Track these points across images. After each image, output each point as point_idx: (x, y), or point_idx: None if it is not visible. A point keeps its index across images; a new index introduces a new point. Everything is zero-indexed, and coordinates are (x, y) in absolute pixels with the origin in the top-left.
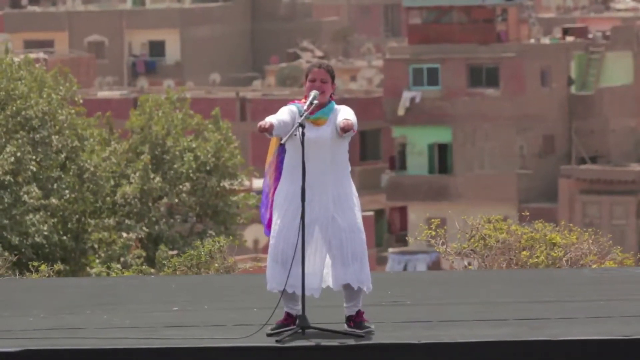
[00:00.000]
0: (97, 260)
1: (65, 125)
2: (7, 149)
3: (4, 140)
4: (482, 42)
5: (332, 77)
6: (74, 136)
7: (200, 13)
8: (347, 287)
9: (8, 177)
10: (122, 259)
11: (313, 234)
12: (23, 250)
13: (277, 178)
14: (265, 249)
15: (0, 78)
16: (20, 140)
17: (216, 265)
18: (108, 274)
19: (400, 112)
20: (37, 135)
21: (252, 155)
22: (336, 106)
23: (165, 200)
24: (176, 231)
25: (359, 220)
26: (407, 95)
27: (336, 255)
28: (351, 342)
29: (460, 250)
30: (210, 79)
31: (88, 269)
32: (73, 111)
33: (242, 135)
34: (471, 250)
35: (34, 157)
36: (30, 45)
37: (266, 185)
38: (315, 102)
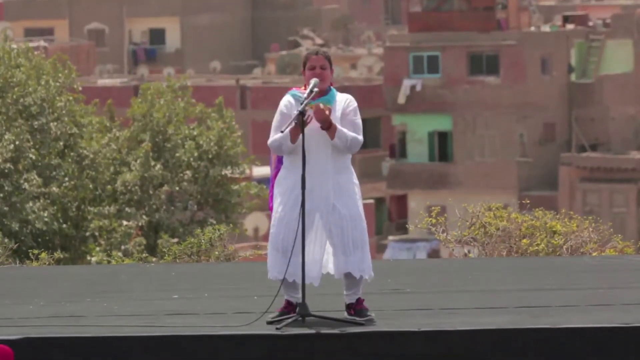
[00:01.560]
0: (98, 249)
1: (63, 112)
2: (7, 137)
3: (4, 128)
4: (483, 30)
5: (330, 64)
6: (72, 123)
7: (200, 1)
8: (348, 275)
9: (8, 165)
10: (122, 247)
11: (313, 223)
12: (23, 238)
13: (278, 167)
14: (265, 237)
15: None
16: (19, 129)
17: (216, 253)
18: (108, 262)
19: (401, 100)
20: (36, 123)
21: (252, 144)
22: (339, 95)
23: (166, 188)
24: (177, 219)
25: (360, 209)
26: (407, 83)
27: (337, 243)
28: (351, 329)
29: (460, 238)
30: (210, 66)
31: (88, 257)
32: (71, 98)
33: (242, 124)
34: (471, 238)
35: (33, 145)
36: (30, 33)
37: (272, 170)
38: (316, 89)
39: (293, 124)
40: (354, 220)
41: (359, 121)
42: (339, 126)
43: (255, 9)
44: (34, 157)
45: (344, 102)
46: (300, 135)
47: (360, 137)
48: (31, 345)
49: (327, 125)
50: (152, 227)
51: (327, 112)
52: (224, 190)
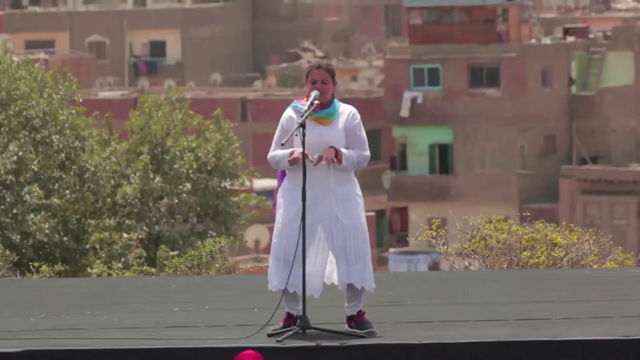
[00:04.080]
0: (98, 261)
1: (66, 125)
2: (10, 149)
3: (6, 140)
4: (483, 42)
5: (333, 76)
6: (74, 136)
7: (201, 13)
8: (350, 287)
9: (10, 177)
10: (122, 259)
11: (316, 234)
12: (24, 250)
13: (281, 177)
14: (266, 250)
15: (1, 78)
16: (22, 140)
17: (217, 265)
18: (109, 274)
19: (404, 113)
20: (38, 135)
21: (252, 156)
22: (341, 106)
23: (165, 200)
24: (177, 231)
25: (363, 220)
26: (408, 95)
27: (339, 254)
28: (352, 342)
29: (461, 250)
30: (211, 79)
31: (88, 269)
32: (74, 111)
33: (243, 136)
34: (472, 250)
35: (35, 157)
36: (31, 45)
37: (279, 181)
38: (317, 102)
39: (294, 137)
40: (356, 231)
41: (364, 135)
42: (343, 150)
43: (255, 21)
44: (36, 169)
45: (347, 114)
46: (302, 148)
47: (367, 152)
48: (32, 358)
49: (337, 159)
50: (153, 239)
51: (330, 156)
52: (224, 202)
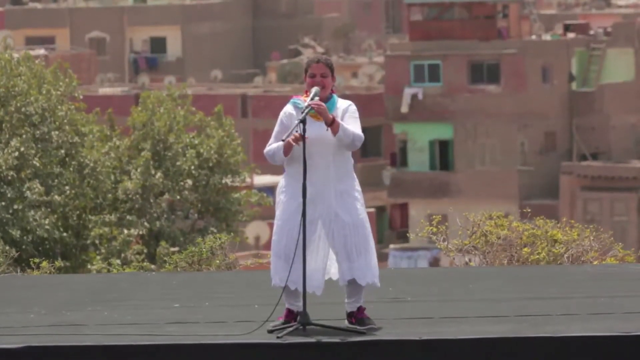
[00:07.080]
0: (98, 257)
1: (65, 121)
2: (12, 144)
3: (8, 136)
4: (483, 39)
5: (332, 71)
6: (74, 132)
7: (201, 9)
8: (352, 282)
9: (11, 173)
10: (122, 255)
11: (316, 231)
12: (24, 246)
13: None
14: (266, 246)
15: (0, 75)
16: (24, 137)
17: (217, 262)
18: (108, 271)
19: (404, 109)
20: (38, 132)
21: (253, 152)
22: (339, 101)
23: (166, 196)
24: (177, 228)
25: (363, 215)
26: (408, 91)
27: (340, 251)
28: (352, 338)
29: (461, 246)
30: (211, 75)
31: (88, 265)
32: (73, 107)
33: (243, 132)
34: (472, 246)
35: (35, 154)
36: (31, 41)
37: None
38: (317, 98)
39: (294, 132)
40: (356, 227)
41: (359, 122)
42: (341, 122)
43: (256, 18)
44: (38, 165)
45: (345, 106)
46: (300, 145)
47: (362, 134)
48: (32, 354)
49: (330, 121)
50: (153, 235)
51: (323, 107)
52: (225, 198)
